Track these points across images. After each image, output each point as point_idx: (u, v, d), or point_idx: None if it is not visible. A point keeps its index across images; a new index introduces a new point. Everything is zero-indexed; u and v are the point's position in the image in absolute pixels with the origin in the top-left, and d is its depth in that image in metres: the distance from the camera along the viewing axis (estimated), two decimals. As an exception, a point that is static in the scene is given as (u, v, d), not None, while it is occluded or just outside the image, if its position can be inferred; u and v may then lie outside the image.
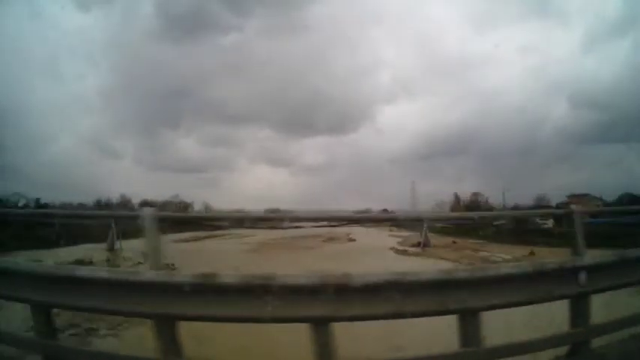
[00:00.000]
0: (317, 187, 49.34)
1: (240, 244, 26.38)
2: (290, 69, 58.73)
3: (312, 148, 62.37)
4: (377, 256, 20.90)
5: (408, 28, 67.28)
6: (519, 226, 25.98)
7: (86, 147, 56.91)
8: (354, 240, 30.95)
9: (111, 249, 24.52)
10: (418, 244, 25.13)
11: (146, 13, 62.15)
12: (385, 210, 32.66)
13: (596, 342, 2.80)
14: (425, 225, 21.46)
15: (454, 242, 26.90)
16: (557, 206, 24.72)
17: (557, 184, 41.36)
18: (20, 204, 30.89)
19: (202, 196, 36.67)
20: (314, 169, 54.73)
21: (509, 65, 59.64)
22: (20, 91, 34.07)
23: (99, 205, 34.14)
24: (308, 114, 56.87)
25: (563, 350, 2.77)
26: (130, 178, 45.70)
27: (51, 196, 34.27)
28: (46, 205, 30.91)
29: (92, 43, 59.45)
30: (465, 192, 41.88)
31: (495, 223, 27.79)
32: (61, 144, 47.08)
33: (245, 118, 65.98)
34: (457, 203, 40.02)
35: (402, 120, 61.45)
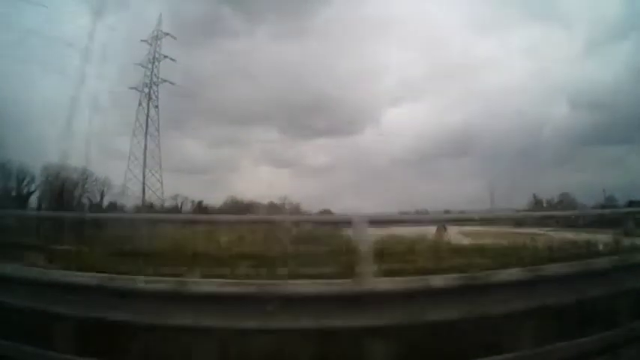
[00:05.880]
0: (321, 188, 49.01)
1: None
2: (297, 72, 58.73)
3: (317, 150, 62.24)
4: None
5: (413, 32, 67.51)
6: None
7: (92, 147, 57.01)
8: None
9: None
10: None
11: (158, 19, 62.65)
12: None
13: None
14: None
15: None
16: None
17: (560, 186, 40.76)
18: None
19: (206, 197, 35.84)
20: (318, 170, 54.55)
21: (511, 67, 59.16)
22: (28, 91, 34.32)
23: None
24: (314, 116, 56.71)
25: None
26: (133, 178, 45.81)
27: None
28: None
29: (103, 46, 59.49)
30: (550, 192, 39.67)
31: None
32: (68, 144, 47.05)
33: (251, 120, 65.75)
34: (538, 204, 37.49)
35: (406, 122, 61.07)
